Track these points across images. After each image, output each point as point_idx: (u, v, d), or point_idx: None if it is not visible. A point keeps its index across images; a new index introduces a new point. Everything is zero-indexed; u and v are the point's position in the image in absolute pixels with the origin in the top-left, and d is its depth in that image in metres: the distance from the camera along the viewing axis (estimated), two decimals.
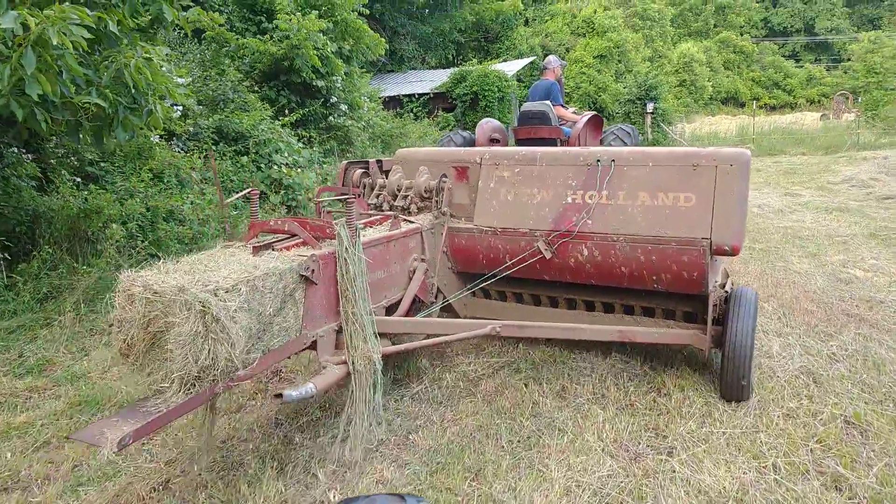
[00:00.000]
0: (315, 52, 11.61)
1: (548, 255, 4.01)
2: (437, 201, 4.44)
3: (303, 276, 3.00)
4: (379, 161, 5.04)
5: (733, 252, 3.60)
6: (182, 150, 8.63)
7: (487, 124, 7.18)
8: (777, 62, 65.00)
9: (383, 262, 3.75)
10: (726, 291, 4.08)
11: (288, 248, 3.25)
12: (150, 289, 2.42)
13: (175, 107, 8.54)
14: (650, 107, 24.05)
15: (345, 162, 4.84)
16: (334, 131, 12.81)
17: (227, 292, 2.51)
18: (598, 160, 3.97)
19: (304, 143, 11.51)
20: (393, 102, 28.14)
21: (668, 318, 4.22)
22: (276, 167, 9.46)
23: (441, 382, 4.28)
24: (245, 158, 9.12)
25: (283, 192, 9.32)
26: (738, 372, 3.69)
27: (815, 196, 12.91)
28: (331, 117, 12.64)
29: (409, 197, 4.52)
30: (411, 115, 27.02)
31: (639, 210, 3.80)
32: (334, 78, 12.43)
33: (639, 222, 3.78)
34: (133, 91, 4.32)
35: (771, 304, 5.70)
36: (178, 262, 2.76)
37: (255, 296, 2.68)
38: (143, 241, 6.46)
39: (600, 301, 4.34)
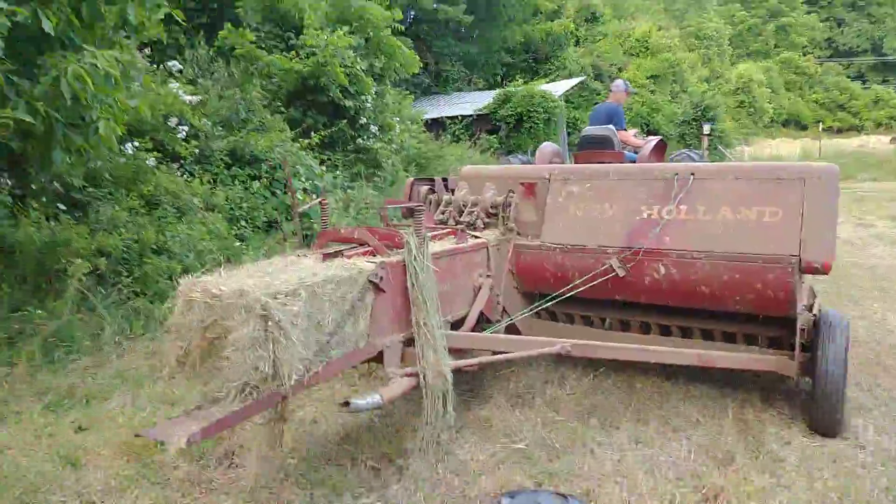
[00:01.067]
0: (343, 69, 10.94)
1: (621, 273, 3.87)
2: (503, 217, 4.43)
3: (372, 283, 3.00)
4: (444, 178, 5.10)
5: (824, 270, 3.41)
6: (188, 173, 7.98)
7: (547, 148, 6.85)
8: (842, 83, 62.40)
9: (449, 275, 3.69)
10: (814, 315, 3.72)
11: (357, 257, 3.25)
12: (209, 293, 2.42)
13: (181, 126, 7.92)
14: (707, 128, 22.74)
15: (410, 179, 4.90)
16: (362, 154, 12.09)
17: (287, 296, 2.48)
18: (676, 174, 3.85)
19: (328, 167, 10.81)
20: (435, 125, 27.48)
21: (751, 343, 4.00)
22: (293, 192, 8.73)
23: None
24: (257, 183, 8.42)
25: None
26: (831, 403, 3.40)
27: (889, 227, 11.57)
28: (359, 139, 11.93)
29: (476, 213, 4.48)
30: (452, 137, 26.37)
31: (720, 225, 3.64)
32: (364, 97, 11.72)
33: (720, 238, 3.62)
34: (71, 104, 3.59)
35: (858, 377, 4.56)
36: (239, 267, 2.79)
37: (316, 302, 2.65)
38: (127, 278, 5.76)
39: (676, 325, 4.13)
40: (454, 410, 3.28)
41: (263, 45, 11.85)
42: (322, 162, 10.83)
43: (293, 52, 11.25)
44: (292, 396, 2.62)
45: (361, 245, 3.45)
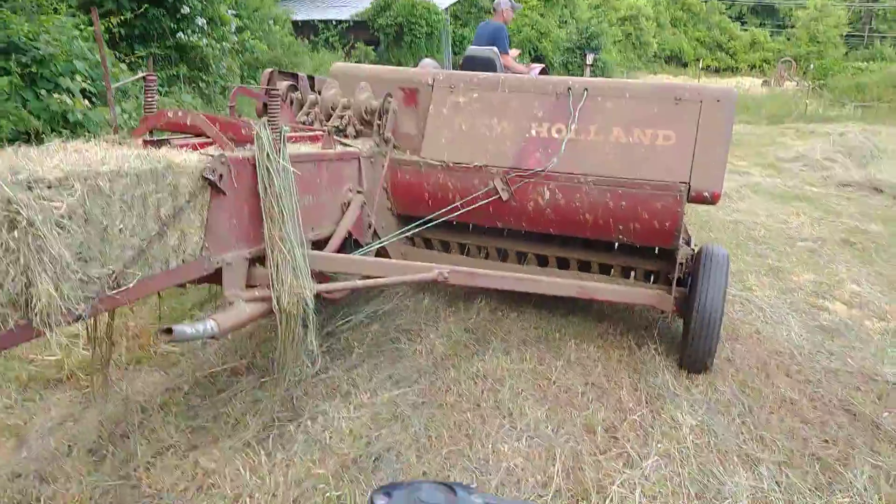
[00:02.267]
0: None
1: (504, 197, 3.66)
2: (379, 125, 3.92)
3: (207, 181, 2.41)
4: (311, 77, 4.50)
5: (713, 200, 3.31)
6: None
7: (430, 64, 6.37)
8: (723, 23, 63.78)
9: (312, 187, 3.20)
10: (692, 249, 3.67)
11: (189, 148, 2.53)
12: None
13: None
14: (590, 58, 21.77)
15: (268, 70, 4.12)
16: (187, 52, 9.96)
17: (50, 188, 1.81)
18: (570, 88, 3.60)
19: (131, 64, 8.67)
20: (307, 28, 24.80)
21: (626, 276, 3.94)
22: (60, 95, 6.69)
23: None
24: (5, 80, 6.31)
25: (67, 132, 6.59)
26: (704, 341, 3.33)
27: (765, 177, 11.04)
28: (180, 33, 9.76)
29: (347, 117, 3.96)
30: (324, 44, 23.91)
31: (611, 148, 3.47)
32: None
33: (611, 162, 3.44)
34: None
35: (728, 382, 3.56)
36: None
37: (101, 200, 1.97)
38: None
39: (554, 256, 4.05)
40: (316, 342, 2.90)
41: None
42: (124, 58, 8.67)
43: None
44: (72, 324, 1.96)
45: (198, 136, 2.83)
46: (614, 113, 3.51)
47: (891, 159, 12.39)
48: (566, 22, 33.64)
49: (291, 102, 4.24)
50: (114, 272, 2.07)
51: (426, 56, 23.59)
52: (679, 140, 3.34)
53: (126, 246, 2.11)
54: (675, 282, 3.44)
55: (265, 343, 3.74)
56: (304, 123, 4.01)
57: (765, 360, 3.84)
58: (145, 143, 2.61)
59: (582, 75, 22.51)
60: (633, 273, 3.94)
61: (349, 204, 3.57)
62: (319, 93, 4.19)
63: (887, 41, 62.88)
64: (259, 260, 2.85)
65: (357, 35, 24.42)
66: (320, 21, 24.34)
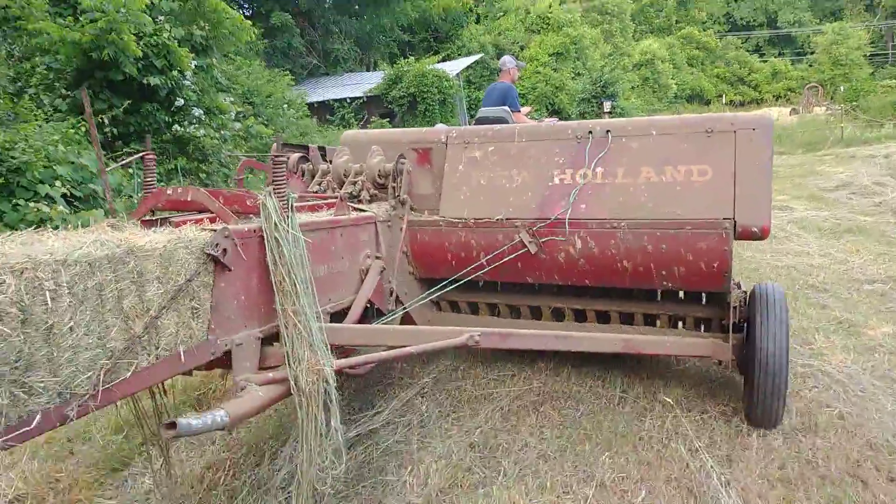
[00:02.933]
0: (138, 37, 8.47)
1: (532, 250, 3.40)
2: (394, 188, 3.73)
3: (210, 257, 2.27)
4: (322, 147, 4.45)
5: (762, 234, 3.01)
6: None
7: (442, 128, 6.46)
8: (741, 57, 63.47)
9: (327, 256, 3.01)
10: (744, 291, 3.39)
11: (191, 224, 2.39)
12: None
13: None
14: (608, 105, 21.27)
15: (277, 143, 3.68)
16: (184, 144, 9.66)
17: None
18: (590, 131, 3.42)
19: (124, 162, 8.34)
20: (323, 108, 25.00)
21: (674, 326, 3.66)
22: (37, 203, 6.29)
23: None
24: None
25: None
26: (773, 390, 3.00)
27: (810, 209, 10.10)
28: (176, 126, 9.47)
29: (360, 182, 3.80)
30: (340, 121, 23.97)
31: (642, 189, 3.20)
32: (178, 73, 9.27)
33: (644, 204, 3.17)
34: None
35: (813, 497, 2.69)
36: None
37: (39, 297, 1.75)
38: None
39: (592, 309, 3.73)
40: (342, 425, 2.58)
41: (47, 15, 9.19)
42: (118, 157, 8.36)
43: (70, 18, 8.68)
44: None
45: (201, 212, 2.69)
46: (641, 152, 3.30)
47: None
48: (580, 74, 33.51)
49: (303, 174, 4.15)
50: (73, 375, 1.85)
51: (440, 122, 23.46)
52: (716, 174, 3.12)
53: (83, 346, 1.88)
54: (731, 327, 3.22)
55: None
56: (316, 192, 3.89)
57: (856, 459, 2.96)
58: (144, 223, 2.53)
59: None
60: (681, 323, 3.69)
61: (367, 271, 3.38)
62: (331, 162, 4.07)
63: None
64: (273, 338, 2.66)
65: (371, 110, 24.46)
66: (335, 100, 24.48)
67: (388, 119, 23.65)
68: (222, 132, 10.41)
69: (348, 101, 24.24)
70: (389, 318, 3.51)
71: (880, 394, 3.60)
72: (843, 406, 3.47)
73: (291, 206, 2.59)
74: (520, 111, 7.04)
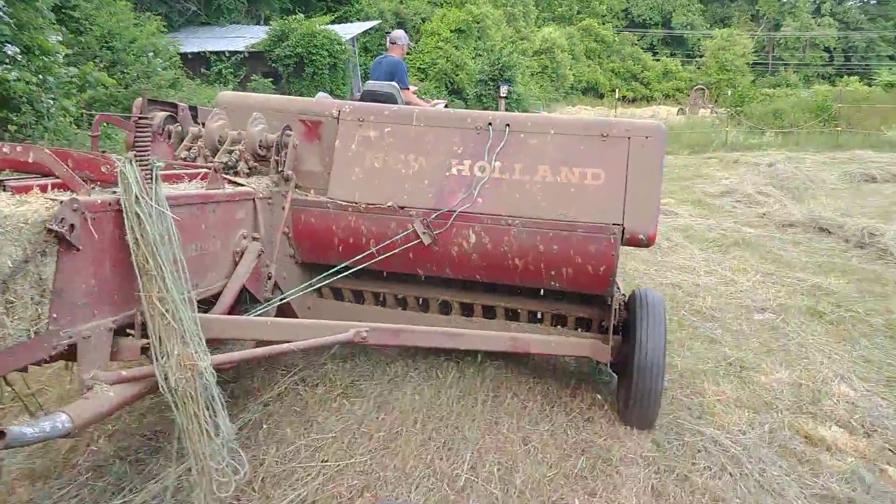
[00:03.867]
0: None
1: (426, 241, 3.29)
2: (277, 161, 3.40)
3: (53, 233, 1.95)
4: (193, 107, 3.96)
5: (648, 242, 3.11)
6: None
7: (325, 98, 6.27)
8: (636, 53, 65.22)
9: (197, 234, 2.70)
10: (623, 294, 3.55)
11: (32, 193, 2.07)
12: None
13: None
14: (504, 89, 20.59)
15: (141, 98, 3.16)
16: None
17: None
18: (490, 123, 3.36)
19: None
20: (198, 61, 22.68)
21: (558, 325, 3.71)
22: None
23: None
24: None
25: None
26: (649, 392, 3.07)
27: (696, 216, 9.74)
28: None
29: (237, 152, 3.39)
30: (216, 77, 21.88)
31: (539, 188, 3.21)
32: None
33: (539, 203, 3.20)
34: None
35: None
36: None
37: None
38: None
39: (480, 304, 3.73)
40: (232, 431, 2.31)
41: None
42: None
43: None
44: None
45: (45, 176, 2.25)
46: (540, 150, 3.28)
47: (825, 192, 11.41)
48: (480, 55, 32.73)
49: (170, 136, 3.70)
50: None
51: (324, 91, 21.86)
52: (609, 179, 3.15)
53: None
54: (611, 329, 3.28)
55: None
56: (185, 160, 3.45)
57: None
58: None
59: (496, 107, 21.31)
60: (564, 321, 3.70)
61: (243, 253, 3.09)
62: (203, 125, 3.62)
63: (791, 67, 65.75)
64: (127, 328, 2.39)
65: (253, 67, 22.48)
66: (212, 52, 22.29)
67: (271, 80, 21.82)
68: (47, 77, 8.59)
69: (227, 54, 22.15)
70: (266, 307, 3.21)
71: (785, 482, 2.87)
72: (739, 498, 2.70)
73: (156, 175, 2.27)
74: (408, 88, 6.78)
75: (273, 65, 21.92)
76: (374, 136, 3.50)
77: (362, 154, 3.49)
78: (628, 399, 3.19)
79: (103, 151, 3.30)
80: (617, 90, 27.62)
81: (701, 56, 64.54)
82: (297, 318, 3.56)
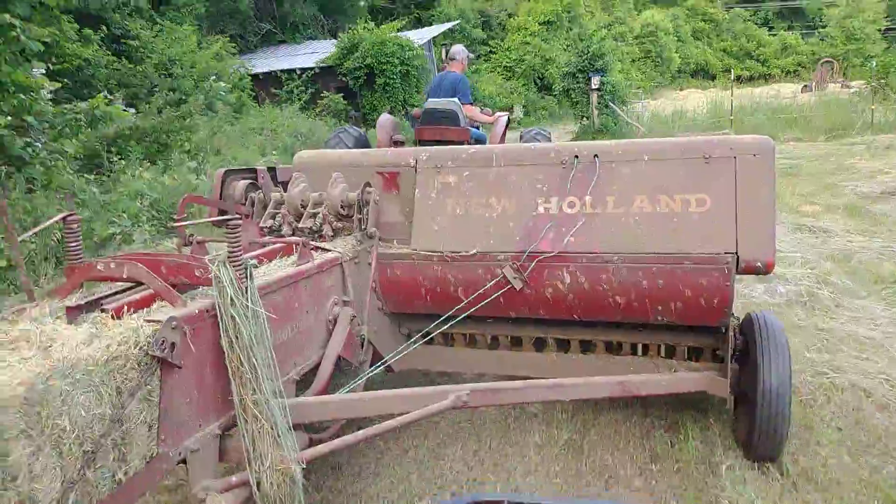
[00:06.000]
0: None
1: (517, 286, 3.18)
2: (360, 219, 3.43)
3: (156, 358, 1.98)
4: (272, 169, 4.14)
5: (766, 269, 2.89)
6: None
7: (388, 122, 6.76)
8: (749, 30, 59.95)
9: (291, 315, 2.72)
10: (737, 319, 3.27)
11: (129, 308, 2.16)
12: None
13: None
14: (596, 81, 18.05)
15: (222, 170, 3.78)
16: None
17: None
18: (577, 156, 3.21)
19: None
20: (270, 81, 21.78)
21: (666, 356, 3.46)
22: None
23: None
24: None
25: None
26: (776, 424, 2.89)
27: (854, 234, 7.11)
28: None
29: (321, 215, 3.42)
30: (290, 96, 20.78)
31: (636, 220, 3.05)
32: None
33: (639, 236, 3.03)
34: None
35: None
36: None
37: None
38: None
39: (576, 339, 3.55)
40: None
41: None
42: None
43: None
44: None
45: (135, 285, 2.36)
46: (634, 179, 3.08)
47: None
48: (572, 46, 30.16)
49: (252, 204, 3.73)
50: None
51: (395, 102, 20.11)
52: (716, 204, 2.93)
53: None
54: (729, 361, 3.08)
55: None
56: (270, 229, 3.49)
57: None
58: (69, 310, 2.09)
59: (588, 101, 18.84)
60: (673, 352, 3.42)
61: (336, 321, 3.03)
62: (284, 187, 3.68)
63: None
64: (232, 426, 2.35)
65: (325, 83, 21.28)
66: (283, 71, 21.28)
67: (342, 95, 20.50)
68: (26, 118, 7.29)
69: (298, 72, 21.04)
70: (361, 379, 3.14)
71: None
72: None
73: (250, 274, 2.26)
74: (471, 104, 6.76)
75: (343, 78, 20.59)
76: (454, 182, 3.43)
77: (443, 201, 3.42)
78: (752, 432, 2.97)
79: (191, 236, 3.18)
80: (733, 70, 24.21)
81: (824, 27, 58.38)
82: (388, 367, 3.45)
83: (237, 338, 2.17)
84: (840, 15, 55.11)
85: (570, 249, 3.09)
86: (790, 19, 64.05)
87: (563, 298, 3.19)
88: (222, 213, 3.71)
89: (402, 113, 17.96)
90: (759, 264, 2.85)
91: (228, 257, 2.23)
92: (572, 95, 19.06)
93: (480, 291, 3.26)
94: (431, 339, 3.64)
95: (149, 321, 2.03)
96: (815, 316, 4.71)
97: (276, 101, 20.38)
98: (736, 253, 2.86)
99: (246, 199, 3.75)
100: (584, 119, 18.88)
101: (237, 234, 2.30)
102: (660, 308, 3.07)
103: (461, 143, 6.57)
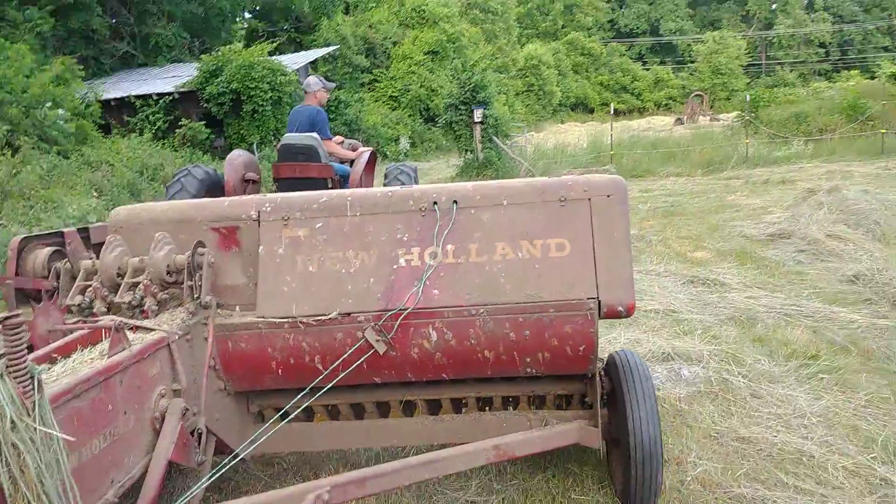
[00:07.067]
0: None
1: (381, 349, 2.89)
2: (191, 287, 2.90)
3: None
4: (83, 229, 3.50)
5: (628, 313, 2.85)
6: None
7: (238, 159, 6.55)
8: (625, 65, 62.74)
9: (103, 420, 2.22)
10: (602, 361, 3.19)
11: None
12: None
13: None
14: (478, 114, 17.33)
15: (18, 237, 3.18)
16: None
17: None
18: (435, 203, 3.00)
19: None
20: (124, 108, 19.61)
21: (538, 407, 3.35)
22: None
23: None
24: None
25: None
26: (651, 469, 2.81)
27: (748, 282, 6.48)
28: None
29: (142, 285, 2.86)
30: (144, 124, 18.72)
31: (499, 268, 2.91)
32: None
33: (502, 285, 2.89)
34: None
35: None
36: None
37: None
38: None
39: (448, 398, 3.32)
40: None
41: None
42: None
43: None
44: None
45: None
46: (494, 225, 2.95)
47: None
48: (455, 76, 29.74)
49: (58, 277, 3.09)
50: None
51: (247, 142, 18.46)
52: (574, 248, 2.87)
53: None
54: (598, 406, 3.01)
55: None
56: (80, 308, 2.89)
57: None
58: None
59: (471, 134, 18.09)
60: (542, 401, 3.33)
61: (163, 417, 2.50)
62: (97, 252, 3.17)
63: (786, 66, 63.00)
64: None
65: (187, 110, 19.36)
66: (137, 97, 19.17)
67: (205, 123, 18.68)
68: None
69: (154, 98, 19.02)
70: (201, 486, 2.56)
71: None
72: None
73: (38, 384, 1.81)
74: (330, 139, 6.71)
75: (206, 105, 18.78)
76: (304, 235, 3.04)
77: (292, 258, 3.00)
78: (628, 480, 2.87)
79: None
80: (611, 104, 24.41)
81: (693, 62, 62.06)
82: (233, 453, 2.90)
83: (23, 472, 1.79)
84: (707, 51, 58.73)
85: (434, 304, 2.87)
86: (662, 55, 67.67)
87: (431, 358, 2.97)
88: (21, 291, 3.17)
89: (274, 144, 16.50)
90: (620, 308, 2.80)
91: (7, 367, 1.81)
92: (455, 128, 18.25)
93: (338, 358, 2.92)
94: (286, 414, 3.24)
95: None
96: (732, 416, 3.77)
97: (128, 130, 18.28)
98: (597, 297, 2.79)
99: (48, 272, 3.15)
100: (469, 153, 18.10)
101: (19, 336, 1.87)
102: (528, 360, 2.94)
103: (323, 179, 6.35)
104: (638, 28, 67.89)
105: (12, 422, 1.73)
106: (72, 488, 1.86)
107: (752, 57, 62.00)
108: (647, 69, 63.46)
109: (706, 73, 58.40)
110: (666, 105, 58.55)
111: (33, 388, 1.81)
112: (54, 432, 1.83)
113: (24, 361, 1.84)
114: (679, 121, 37.77)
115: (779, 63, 65.35)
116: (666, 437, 3.55)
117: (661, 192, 13.83)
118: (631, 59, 65.26)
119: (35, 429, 1.78)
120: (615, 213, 2.87)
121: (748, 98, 18.97)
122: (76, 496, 1.86)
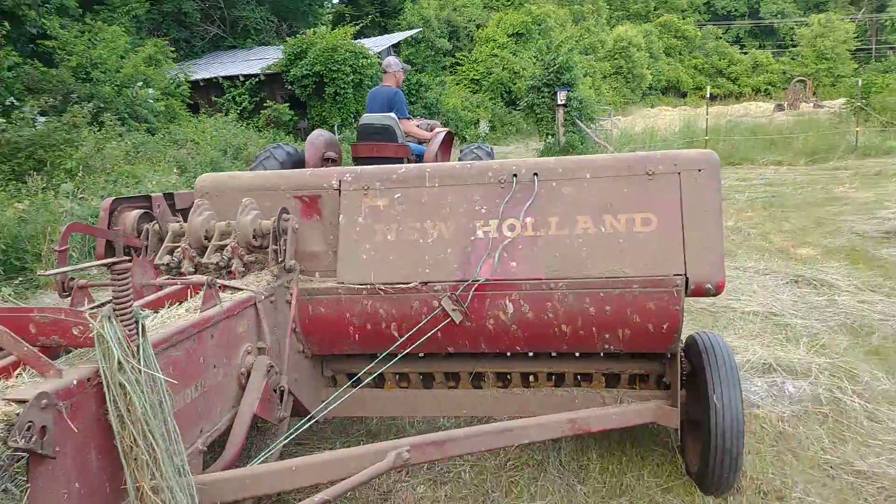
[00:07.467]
0: None
1: (457, 319, 2.89)
2: (276, 251, 2.96)
3: (21, 452, 1.55)
4: (169, 194, 3.59)
5: (717, 290, 2.74)
6: None
7: (319, 138, 6.58)
8: (720, 48, 59.65)
9: (194, 373, 2.28)
10: (681, 342, 3.04)
11: None
12: None
13: None
14: (562, 96, 16.68)
15: (110, 199, 3.29)
16: None
17: None
18: (515, 175, 2.97)
19: None
20: (212, 88, 20.08)
21: (611, 385, 3.28)
22: None
23: None
24: None
25: None
26: (730, 454, 2.74)
27: (860, 284, 5.76)
28: None
29: (229, 248, 2.94)
30: (230, 105, 19.10)
31: (581, 242, 2.85)
32: None
33: (583, 259, 2.83)
34: None
35: None
36: None
37: None
38: None
39: (518, 372, 3.31)
40: None
41: None
42: None
43: None
44: None
45: None
46: (576, 198, 2.89)
47: None
48: (539, 58, 28.97)
49: (147, 237, 3.18)
50: None
51: (328, 124, 18.39)
52: (662, 223, 2.78)
53: None
54: (678, 388, 2.91)
55: None
56: (168, 267, 2.94)
57: None
58: None
59: (553, 117, 17.45)
60: (617, 380, 3.25)
61: (249, 373, 2.61)
62: (184, 216, 3.26)
63: None
64: None
65: (271, 92, 19.63)
66: (225, 78, 19.57)
67: (289, 105, 18.87)
68: None
69: (241, 79, 19.35)
70: (281, 442, 2.73)
71: None
72: None
73: (142, 329, 1.85)
74: (409, 118, 6.78)
75: (290, 87, 18.95)
76: (384, 205, 3.07)
77: (371, 227, 3.05)
78: (705, 463, 2.83)
79: (70, 280, 2.66)
80: (707, 88, 23.05)
81: (794, 45, 58.37)
82: (307, 413, 3.07)
83: (129, 411, 1.80)
84: (811, 34, 55.06)
85: (512, 276, 2.86)
86: (761, 38, 64.02)
87: (506, 329, 2.97)
88: (110, 246, 3.23)
89: (355, 126, 16.50)
90: (708, 286, 2.72)
91: (115, 310, 1.81)
92: (537, 111, 17.66)
93: (415, 325, 2.96)
94: (359, 379, 3.33)
95: (8, 400, 1.60)
96: (846, 444, 3.22)
97: (215, 110, 18.68)
98: (685, 274, 2.73)
99: (139, 231, 3.30)
100: (550, 136, 17.48)
101: (125, 281, 1.88)
102: (607, 336, 2.90)
103: (400, 159, 6.36)
104: (736, 10, 64.40)
105: (119, 363, 1.76)
106: (175, 430, 1.89)
107: (861, 41, 57.56)
108: (745, 53, 60.13)
109: (810, 58, 54.70)
110: (765, 91, 55.32)
111: (138, 333, 1.84)
112: (158, 374, 1.86)
113: (131, 305, 1.85)
114: (779, 107, 35.50)
115: (891, 48, 60.46)
116: (766, 464, 3.06)
117: (760, 181, 12.84)
118: (728, 42, 61.99)
119: (140, 370, 1.81)
120: (706, 188, 2.78)
121: (859, 83, 17.39)
122: (178, 437, 1.91)
